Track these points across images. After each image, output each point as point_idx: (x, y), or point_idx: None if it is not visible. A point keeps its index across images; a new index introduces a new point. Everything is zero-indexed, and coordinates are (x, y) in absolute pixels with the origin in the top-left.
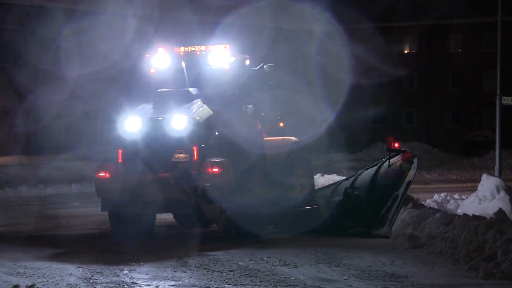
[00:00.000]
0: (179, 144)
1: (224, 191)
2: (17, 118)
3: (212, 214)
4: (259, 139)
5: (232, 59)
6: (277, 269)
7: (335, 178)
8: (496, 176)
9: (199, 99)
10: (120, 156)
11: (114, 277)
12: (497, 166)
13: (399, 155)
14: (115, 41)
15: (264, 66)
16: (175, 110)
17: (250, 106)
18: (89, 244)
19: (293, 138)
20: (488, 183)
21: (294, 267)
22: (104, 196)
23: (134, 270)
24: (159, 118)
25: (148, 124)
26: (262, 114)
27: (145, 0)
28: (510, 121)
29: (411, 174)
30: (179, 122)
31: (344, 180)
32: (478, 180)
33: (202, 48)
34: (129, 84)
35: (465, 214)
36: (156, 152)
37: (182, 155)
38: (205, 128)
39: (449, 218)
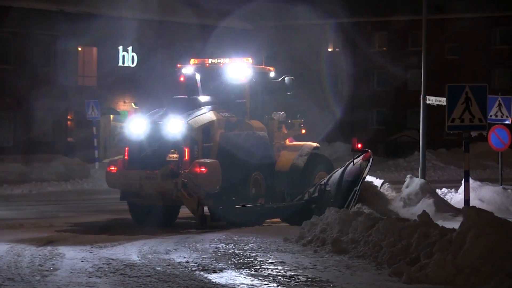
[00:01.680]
0: (173, 145)
1: (209, 189)
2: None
3: (190, 205)
4: (268, 149)
5: (249, 72)
6: (195, 274)
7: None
8: (420, 178)
9: (208, 106)
10: (126, 153)
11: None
12: (421, 167)
13: (362, 155)
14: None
15: (285, 79)
16: (177, 115)
17: (282, 113)
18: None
19: (314, 144)
20: (412, 184)
21: (213, 272)
22: (112, 187)
23: (46, 276)
24: (160, 122)
25: (151, 126)
26: (289, 121)
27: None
28: (435, 121)
29: (366, 171)
30: (174, 126)
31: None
32: (403, 182)
33: (226, 60)
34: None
35: (389, 217)
36: (155, 151)
37: (174, 155)
38: (201, 132)
39: (373, 221)
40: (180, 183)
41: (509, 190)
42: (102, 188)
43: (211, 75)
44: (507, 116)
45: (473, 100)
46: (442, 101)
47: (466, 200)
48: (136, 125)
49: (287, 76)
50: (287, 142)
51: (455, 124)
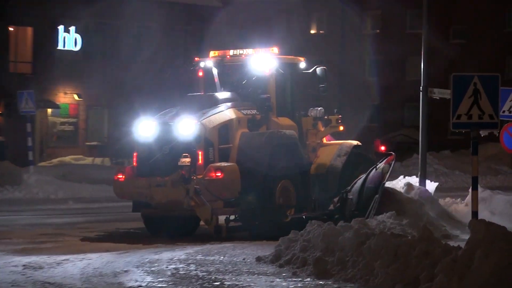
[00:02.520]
0: (185, 148)
1: (226, 196)
2: None
3: (203, 215)
4: (297, 150)
5: (274, 63)
6: None
7: None
8: (419, 185)
9: (227, 103)
10: (134, 159)
11: None
12: (420, 172)
13: (385, 158)
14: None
15: (317, 69)
16: (190, 114)
17: (320, 108)
18: None
19: (354, 142)
20: (411, 193)
21: None
22: (120, 197)
23: None
24: (170, 123)
25: (160, 128)
26: (325, 117)
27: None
28: (437, 118)
29: (386, 176)
30: (186, 127)
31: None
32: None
33: (250, 51)
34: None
35: (382, 232)
36: (166, 156)
37: (187, 159)
38: (216, 132)
39: (364, 237)
40: (192, 190)
41: None
42: (38, 197)
43: (232, 68)
44: None
45: (482, 92)
46: (446, 94)
47: (474, 212)
48: (144, 127)
49: (319, 66)
50: (325, 141)
51: (461, 122)
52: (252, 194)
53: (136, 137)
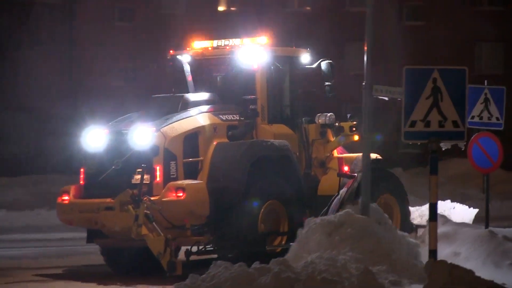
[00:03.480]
0: (140, 162)
1: (189, 222)
2: None
3: (154, 246)
4: (292, 165)
5: (265, 56)
6: None
7: None
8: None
9: (199, 107)
10: (81, 176)
11: None
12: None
13: (347, 181)
14: None
15: (322, 64)
16: (151, 120)
17: (330, 114)
18: None
19: (373, 155)
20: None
21: None
22: (67, 224)
23: None
24: (124, 131)
25: (112, 138)
26: (336, 124)
27: None
28: (386, 125)
29: (337, 206)
30: (142, 136)
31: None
32: None
33: (237, 42)
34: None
35: (310, 277)
36: (118, 172)
37: (139, 176)
38: (180, 142)
39: (286, 284)
40: (142, 215)
41: (500, 236)
42: None
43: (214, 63)
44: (498, 119)
45: (444, 91)
46: (396, 92)
47: (432, 251)
48: (93, 138)
49: (324, 60)
50: (335, 153)
51: (416, 130)
52: (225, 219)
53: (84, 150)
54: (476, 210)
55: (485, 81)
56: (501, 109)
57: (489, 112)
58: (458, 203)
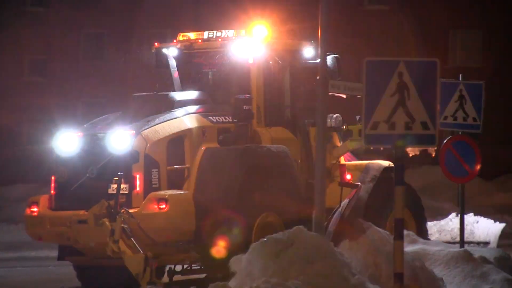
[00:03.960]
0: (118, 170)
1: (173, 238)
2: None
3: (133, 266)
4: (291, 173)
5: (261, 49)
6: None
7: None
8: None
9: (186, 107)
10: (52, 185)
11: None
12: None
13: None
14: None
15: (327, 58)
16: (130, 122)
17: (336, 115)
18: None
19: (385, 163)
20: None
21: None
22: (36, 239)
23: None
24: (100, 134)
25: (87, 143)
26: (344, 127)
27: None
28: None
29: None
30: (120, 140)
31: None
32: None
33: (230, 33)
34: None
35: None
36: (92, 181)
37: (121, 185)
38: (164, 148)
39: None
40: (119, 229)
41: (477, 256)
42: None
43: (204, 57)
44: (475, 119)
45: (412, 88)
46: (355, 89)
47: (398, 273)
48: (66, 142)
49: (330, 54)
50: (343, 160)
51: (378, 133)
52: (214, 235)
53: (56, 155)
54: (503, 225)
55: (460, 76)
56: (478, 108)
57: (465, 112)
58: (482, 217)
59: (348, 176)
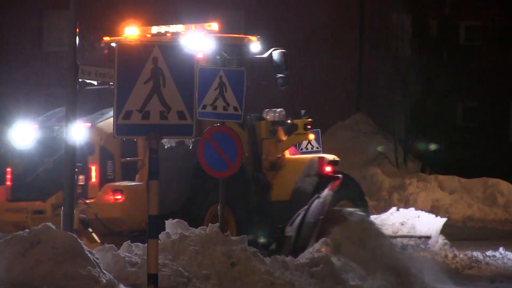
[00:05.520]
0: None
1: (128, 228)
2: None
3: None
4: (244, 168)
5: (210, 44)
6: None
7: None
8: None
9: None
10: (8, 176)
11: None
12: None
13: (331, 183)
14: None
15: (273, 53)
16: (85, 115)
17: (279, 110)
18: None
19: (330, 156)
20: None
21: None
22: None
23: None
24: (55, 126)
25: (42, 135)
26: (288, 121)
27: None
28: None
29: (325, 209)
30: (76, 132)
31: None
32: None
33: (179, 28)
34: None
35: None
36: (49, 172)
37: (77, 177)
38: (117, 141)
39: None
40: (77, 219)
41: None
42: None
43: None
44: (236, 108)
45: (168, 74)
46: (107, 75)
47: (153, 274)
48: (21, 134)
49: (276, 49)
50: (288, 154)
51: (131, 123)
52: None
53: (11, 147)
54: (444, 219)
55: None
56: (240, 97)
57: (225, 101)
58: (423, 211)
59: (328, 168)
